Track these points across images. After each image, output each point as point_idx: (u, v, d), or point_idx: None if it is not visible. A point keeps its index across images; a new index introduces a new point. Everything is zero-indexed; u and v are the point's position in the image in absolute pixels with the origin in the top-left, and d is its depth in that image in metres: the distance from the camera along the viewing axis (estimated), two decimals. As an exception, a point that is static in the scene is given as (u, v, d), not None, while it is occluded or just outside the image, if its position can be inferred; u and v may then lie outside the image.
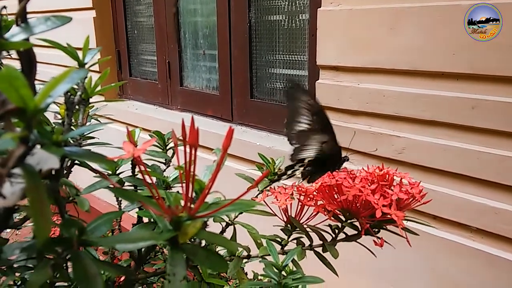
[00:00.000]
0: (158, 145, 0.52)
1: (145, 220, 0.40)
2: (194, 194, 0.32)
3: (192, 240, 0.34)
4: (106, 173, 0.46)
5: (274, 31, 1.34)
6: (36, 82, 0.27)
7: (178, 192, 0.38)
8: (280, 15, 1.31)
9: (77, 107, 0.38)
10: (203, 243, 0.42)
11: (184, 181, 0.26)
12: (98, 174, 0.35)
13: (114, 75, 1.99)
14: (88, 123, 0.54)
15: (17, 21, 0.22)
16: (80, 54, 0.42)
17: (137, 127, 1.81)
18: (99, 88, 0.44)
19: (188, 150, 0.25)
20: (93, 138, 0.53)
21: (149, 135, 0.53)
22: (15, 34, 0.22)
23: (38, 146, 0.23)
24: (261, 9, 1.35)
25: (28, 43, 0.21)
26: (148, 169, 0.45)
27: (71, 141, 0.40)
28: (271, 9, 1.33)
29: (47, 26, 0.22)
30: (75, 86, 0.37)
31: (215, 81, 1.58)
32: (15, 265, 0.33)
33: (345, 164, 0.60)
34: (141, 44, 1.90)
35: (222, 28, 1.46)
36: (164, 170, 0.50)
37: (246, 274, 0.56)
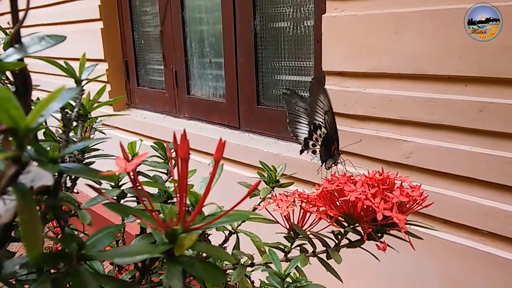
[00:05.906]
0: (160, 156, 0.53)
1: (149, 230, 0.40)
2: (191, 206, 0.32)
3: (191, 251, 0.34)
4: (108, 185, 0.46)
5: (279, 38, 1.34)
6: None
7: (174, 203, 0.38)
8: (285, 22, 1.32)
9: (75, 122, 0.38)
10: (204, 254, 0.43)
11: (179, 194, 0.27)
12: (96, 188, 0.35)
13: (122, 85, 2.02)
14: (92, 135, 0.55)
15: (11, 42, 0.23)
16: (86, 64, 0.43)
17: (145, 136, 1.81)
18: (106, 99, 0.45)
19: (180, 162, 0.25)
20: (98, 150, 0.54)
21: (151, 145, 0.53)
22: (10, 54, 0.22)
23: (35, 163, 0.24)
24: (266, 16, 1.36)
25: (21, 63, 0.22)
26: (149, 180, 0.46)
27: (73, 155, 0.41)
28: (276, 16, 1.33)
29: (41, 46, 0.23)
30: (73, 103, 0.38)
31: (221, 88, 1.59)
32: (20, 278, 0.34)
33: (351, 169, 0.60)
34: (148, 54, 1.92)
35: (228, 36, 1.47)
36: (166, 181, 0.51)
37: (253, 282, 0.56)
